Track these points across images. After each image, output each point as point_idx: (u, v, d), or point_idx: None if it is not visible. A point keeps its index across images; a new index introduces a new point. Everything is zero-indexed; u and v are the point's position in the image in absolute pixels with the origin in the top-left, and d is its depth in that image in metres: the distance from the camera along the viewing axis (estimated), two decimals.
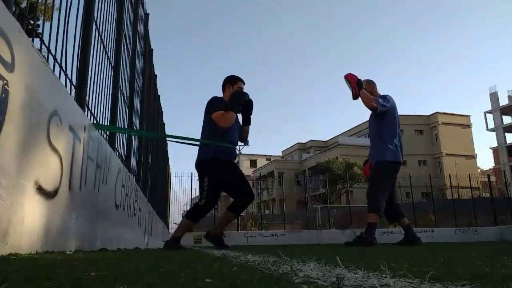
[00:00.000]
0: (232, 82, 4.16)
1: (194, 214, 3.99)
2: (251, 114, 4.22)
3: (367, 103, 4.73)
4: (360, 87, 4.74)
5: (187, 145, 3.82)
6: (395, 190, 5.03)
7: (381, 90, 5.00)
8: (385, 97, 4.81)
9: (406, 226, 4.84)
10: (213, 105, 3.99)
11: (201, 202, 3.93)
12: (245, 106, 4.10)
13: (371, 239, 4.46)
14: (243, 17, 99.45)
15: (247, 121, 4.24)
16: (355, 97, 4.79)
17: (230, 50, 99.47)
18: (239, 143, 4.42)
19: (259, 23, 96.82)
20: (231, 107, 3.92)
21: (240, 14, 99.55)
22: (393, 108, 4.83)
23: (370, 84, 4.96)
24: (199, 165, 4.03)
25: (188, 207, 21.60)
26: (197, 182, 20.76)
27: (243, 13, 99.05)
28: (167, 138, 4.16)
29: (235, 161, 4.24)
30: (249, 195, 4.08)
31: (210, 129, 3.97)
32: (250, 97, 4.08)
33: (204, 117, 4.06)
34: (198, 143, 3.92)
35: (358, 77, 4.83)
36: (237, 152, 4.20)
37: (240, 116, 4.22)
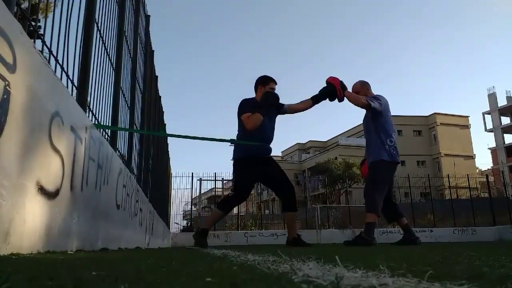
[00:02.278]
0: (264, 82, 4.41)
1: (224, 204, 4.36)
2: (323, 99, 4.62)
3: (357, 102, 4.68)
4: (343, 89, 4.68)
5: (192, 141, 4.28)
6: (393, 190, 5.04)
7: (380, 90, 5.03)
8: (376, 98, 4.80)
9: (405, 226, 4.85)
10: (242, 107, 4.31)
11: (231, 194, 4.37)
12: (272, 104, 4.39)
13: (370, 239, 4.47)
14: (243, 17, 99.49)
15: (317, 100, 4.60)
16: (340, 99, 4.72)
17: (229, 50, 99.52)
18: (271, 152, 4.59)
19: (258, 24, 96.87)
20: (258, 109, 4.21)
21: (240, 14, 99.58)
22: (386, 108, 4.84)
23: (364, 85, 4.97)
24: (233, 163, 4.40)
25: (189, 207, 21.63)
26: (197, 182, 20.77)
27: (243, 14, 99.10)
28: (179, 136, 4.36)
29: (268, 155, 4.45)
30: (287, 190, 4.35)
31: (242, 129, 4.30)
32: (278, 97, 4.37)
33: (237, 118, 4.35)
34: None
35: (340, 80, 4.75)
36: (271, 149, 4.48)
37: (274, 113, 4.52)
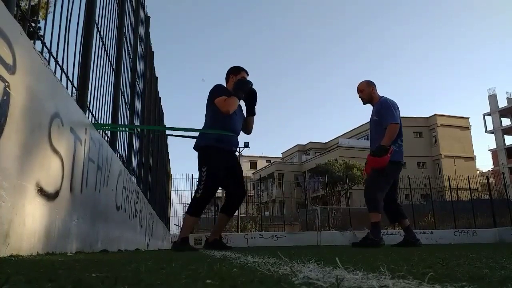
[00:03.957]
0: (236, 72, 4.16)
1: (193, 207, 3.88)
2: (255, 104, 4.19)
3: (394, 136, 4.61)
4: (386, 150, 4.54)
5: (187, 139, 3.88)
6: (397, 190, 5.01)
7: (380, 92, 5.00)
8: (387, 106, 4.73)
9: (406, 227, 4.83)
10: (216, 91, 3.98)
11: (198, 193, 3.83)
12: (250, 95, 4.10)
13: (377, 240, 4.45)
14: (243, 19, 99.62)
15: (252, 111, 4.21)
16: (391, 150, 4.58)
17: (229, 51, 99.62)
18: (238, 146, 4.36)
19: (257, 26, 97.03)
20: (234, 93, 3.89)
21: (240, 15, 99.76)
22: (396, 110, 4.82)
23: (370, 85, 4.96)
24: (199, 152, 3.93)
25: None
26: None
27: (243, 16, 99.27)
28: (168, 132, 4.12)
29: (236, 150, 4.16)
30: (238, 193, 3.99)
31: (213, 117, 3.93)
32: (253, 86, 4.04)
33: (207, 105, 4.02)
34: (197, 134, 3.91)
35: (372, 155, 4.65)
36: (238, 143, 4.18)
37: (244, 108, 4.22)
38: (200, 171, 3.89)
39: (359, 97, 5.01)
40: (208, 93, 4.06)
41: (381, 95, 4.98)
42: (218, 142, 3.86)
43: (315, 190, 36.28)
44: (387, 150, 4.55)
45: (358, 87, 5.02)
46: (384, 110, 4.74)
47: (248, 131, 4.28)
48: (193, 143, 3.98)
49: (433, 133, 45.90)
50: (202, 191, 3.81)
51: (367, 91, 4.93)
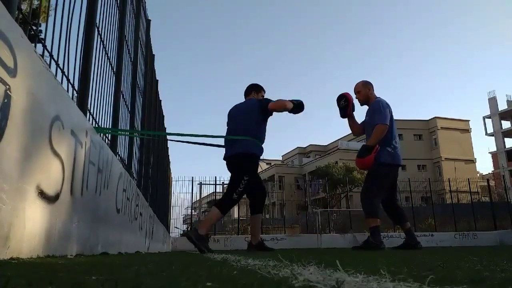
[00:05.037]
0: (257, 89, 4.77)
1: (225, 205, 4.27)
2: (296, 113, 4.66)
3: (382, 135, 4.62)
4: (369, 149, 4.59)
5: (189, 144, 4.31)
6: (395, 193, 5.00)
7: (380, 95, 4.99)
8: (377, 107, 4.72)
9: (407, 229, 4.82)
10: (265, 99, 4.53)
11: (235, 196, 4.23)
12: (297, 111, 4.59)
13: (377, 243, 4.45)
14: (243, 22, 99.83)
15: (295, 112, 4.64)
16: (375, 149, 4.59)
17: (230, 54, 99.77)
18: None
19: (259, 28, 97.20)
20: (293, 104, 4.40)
21: (240, 19, 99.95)
22: (390, 111, 4.81)
23: (366, 85, 4.94)
24: (245, 159, 4.33)
25: (189, 211, 21.54)
26: (198, 186, 20.48)
27: (243, 19, 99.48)
28: (168, 137, 4.51)
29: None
30: (261, 191, 4.49)
31: (263, 127, 4.48)
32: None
33: (258, 115, 4.44)
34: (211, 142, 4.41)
35: (357, 156, 4.78)
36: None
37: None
38: (241, 177, 4.26)
39: (356, 98, 4.99)
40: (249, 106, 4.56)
41: (378, 96, 4.97)
42: (260, 151, 4.40)
43: (315, 192, 36.23)
44: (370, 150, 4.55)
45: (354, 89, 5.00)
46: (374, 111, 4.74)
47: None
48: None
49: (433, 136, 45.91)
50: (238, 195, 4.25)
51: (363, 92, 4.91)
